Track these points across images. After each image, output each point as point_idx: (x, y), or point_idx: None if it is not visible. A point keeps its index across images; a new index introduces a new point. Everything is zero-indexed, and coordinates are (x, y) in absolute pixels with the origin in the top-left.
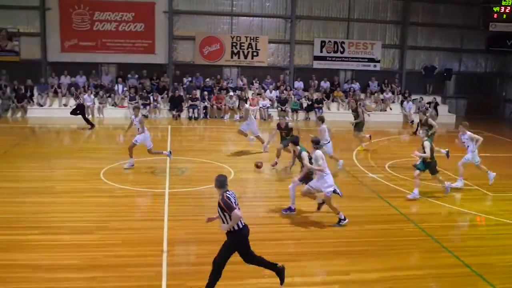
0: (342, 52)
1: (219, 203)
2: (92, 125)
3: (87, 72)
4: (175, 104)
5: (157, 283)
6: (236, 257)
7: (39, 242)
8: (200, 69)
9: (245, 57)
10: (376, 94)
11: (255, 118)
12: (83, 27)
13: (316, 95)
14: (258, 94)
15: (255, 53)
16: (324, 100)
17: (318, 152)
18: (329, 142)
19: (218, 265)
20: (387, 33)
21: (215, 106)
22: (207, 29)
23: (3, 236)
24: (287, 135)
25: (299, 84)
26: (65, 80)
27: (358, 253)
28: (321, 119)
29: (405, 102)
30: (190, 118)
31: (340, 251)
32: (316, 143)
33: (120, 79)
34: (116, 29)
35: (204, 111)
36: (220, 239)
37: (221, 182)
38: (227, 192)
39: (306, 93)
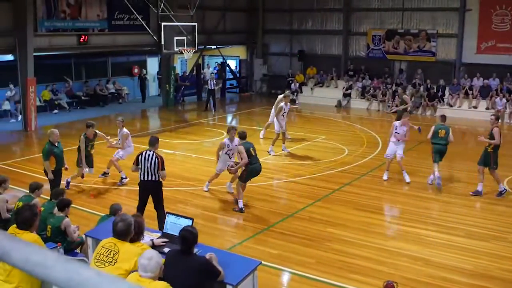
0: None
1: None
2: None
3: (501, 75)
4: None
5: None
6: None
7: (433, 238)
8: None
9: None
10: None
11: None
12: (503, 28)
13: None
14: None
15: None
16: None
17: None
18: None
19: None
20: None
21: None
22: None
23: (396, 225)
24: None
25: None
26: (477, 82)
27: None
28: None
29: None
30: None
31: None
32: None
33: None
34: None
35: None
36: None
37: (150, 141)
38: (147, 151)
39: None
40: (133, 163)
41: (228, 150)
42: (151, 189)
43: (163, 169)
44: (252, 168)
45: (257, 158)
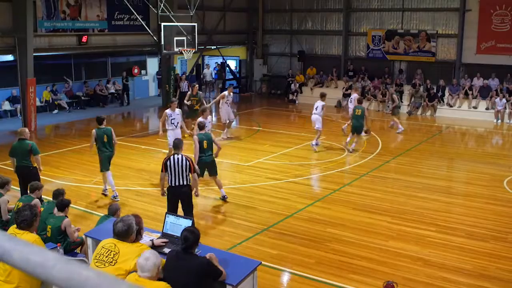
0: None
1: None
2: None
3: (501, 75)
4: None
5: None
6: None
7: (433, 238)
8: None
9: None
10: None
11: None
12: (502, 28)
13: None
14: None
15: None
16: None
17: None
18: None
19: None
20: None
21: None
22: None
23: (396, 226)
24: None
25: None
26: (477, 82)
27: None
28: None
29: None
30: None
31: None
32: None
33: None
34: None
35: None
36: None
37: (175, 144)
38: (174, 155)
39: None
40: (162, 170)
41: (172, 119)
42: (182, 194)
43: (194, 171)
44: (200, 161)
45: (209, 151)
